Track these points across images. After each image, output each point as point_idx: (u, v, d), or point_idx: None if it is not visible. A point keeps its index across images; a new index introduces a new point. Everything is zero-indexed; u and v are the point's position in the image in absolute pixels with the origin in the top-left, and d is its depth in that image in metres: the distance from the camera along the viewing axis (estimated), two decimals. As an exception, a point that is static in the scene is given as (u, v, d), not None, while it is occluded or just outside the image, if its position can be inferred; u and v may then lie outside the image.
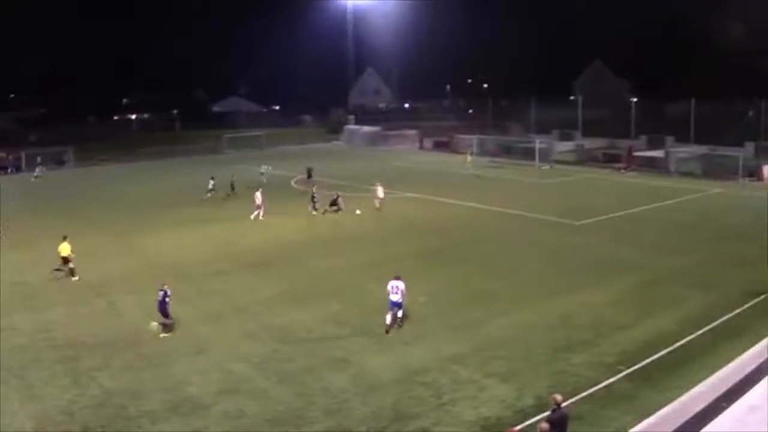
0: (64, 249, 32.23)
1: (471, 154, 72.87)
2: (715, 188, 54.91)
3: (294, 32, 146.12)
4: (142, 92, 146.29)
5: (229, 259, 35.47)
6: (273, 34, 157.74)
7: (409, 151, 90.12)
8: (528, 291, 29.03)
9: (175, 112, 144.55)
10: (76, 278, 31.91)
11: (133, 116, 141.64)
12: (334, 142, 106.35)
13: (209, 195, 53.19)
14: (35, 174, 69.89)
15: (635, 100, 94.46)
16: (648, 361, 21.30)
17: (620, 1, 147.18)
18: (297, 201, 51.26)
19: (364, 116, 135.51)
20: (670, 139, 79.47)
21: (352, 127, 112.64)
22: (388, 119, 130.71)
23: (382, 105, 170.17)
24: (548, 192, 55.82)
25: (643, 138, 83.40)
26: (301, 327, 25.08)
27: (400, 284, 24.61)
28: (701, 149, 71.51)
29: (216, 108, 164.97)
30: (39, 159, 73.32)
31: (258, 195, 45.98)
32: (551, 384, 19.67)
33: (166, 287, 24.69)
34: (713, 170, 62.41)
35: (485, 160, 75.32)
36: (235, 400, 19.43)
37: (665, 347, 22.29)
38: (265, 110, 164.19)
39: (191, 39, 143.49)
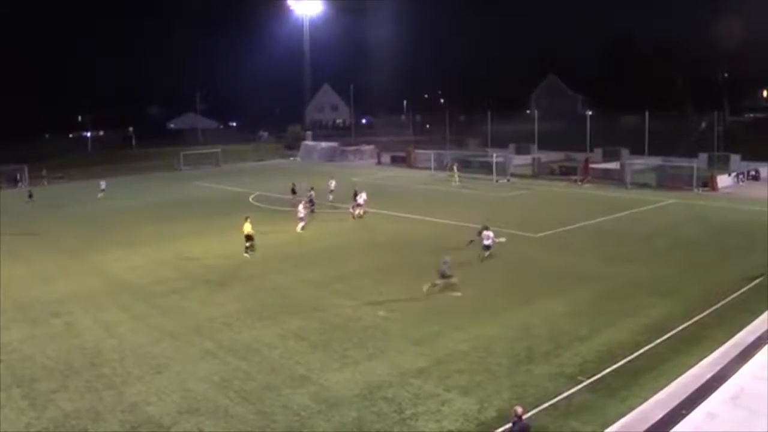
0: (247, 228, 38.68)
1: (456, 168, 72.33)
2: (670, 199, 55.70)
3: (250, 49, 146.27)
4: (98, 109, 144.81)
5: (188, 276, 35.07)
6: (229, 50, 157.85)
7: (366, 167, 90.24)
8: (488, 303, 29.05)
9: (130, 129, 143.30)
10: (248, 255, 38.26)
11: (89, 134, 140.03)
12: (292, 158, 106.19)
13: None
14: None
15: (590, 113, 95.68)
16: (608, 370, 21.41)
17: (573, 17, 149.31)
18: (265, 217, 50.96)
19: (321, 132, 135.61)
20: (625, 152, 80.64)
21: (309, 143, 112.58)
22: (346, 135, 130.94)
23: (339, 121, 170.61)
24: (507, 205, 56.20)
25: (599, 150, 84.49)
26: (262, 344, 24.84)
27: (491, 233, 35.45)
28: (656, 161, 72.68)
29: (172, 125, 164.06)
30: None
31: (300, 208, 46.55)
32: (513, 396, 19.68)
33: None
34: (668, 181, 63.31)
35: (443, 174, 75.66)
36: (195, 420, 19.13)
37: (625, 356, 22.44)
38: (221, 126, 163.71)
39: (147, 55, 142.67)
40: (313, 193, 53.09)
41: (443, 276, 29.89)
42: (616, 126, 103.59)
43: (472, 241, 36.95)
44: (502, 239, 37.22)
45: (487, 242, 35.83)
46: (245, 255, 38.45)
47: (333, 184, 59.04)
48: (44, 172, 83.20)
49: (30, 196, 64.14)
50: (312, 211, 48.50)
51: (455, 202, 57.81)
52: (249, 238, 38.70)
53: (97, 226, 50.23)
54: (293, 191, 57.41)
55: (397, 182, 70.65)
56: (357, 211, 48.92)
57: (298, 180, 61.30)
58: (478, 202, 57.47)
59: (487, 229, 36.23)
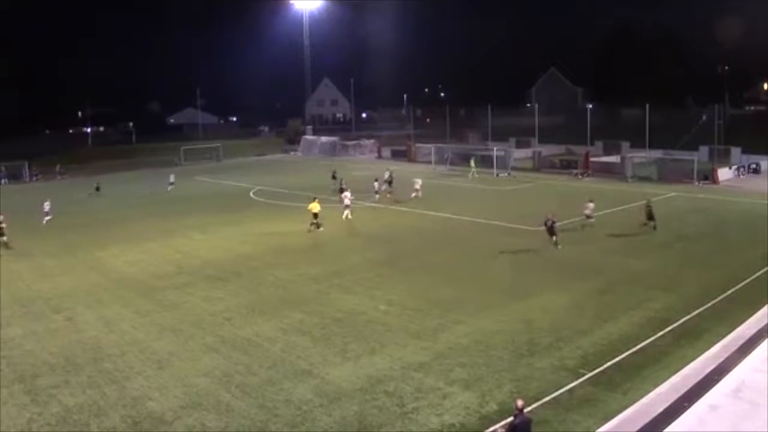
0: (314, 207, 43.33)
1: (475, 161, 72.17)
2: (670, 192, 55.67)
3: (250, 43, 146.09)
4: (98, 105, 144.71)
5: (189, 271, 35.08)
6: (229, 45, 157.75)
7: (367, 161, 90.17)
8: (489, 297, 29.04)
9: (131, 124, 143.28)
10: (321, 229, 43.15)
11: (89, 129, 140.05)
12: (293, 153, 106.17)
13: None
14: None
15: (590, 106, 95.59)
16: (610, 363, 21.40)
17: (573, 10, 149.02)
18: (265, 212, 51.04)
19: (322, 126, 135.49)
20: (625, 145, 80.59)
21: (309, 137, 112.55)
22: (346, 129, 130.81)
23: (339, 115, 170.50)
24: (507, 199, 56.19)
25: (599, 144, 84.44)
26: (263, 338, 24.85)
27: (592, 204, 41.64)
28: (657, 154, 72.66)
29: (172, 120, 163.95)
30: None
31: (347, 194, 48.20)
32: (514, 389, 19.68)
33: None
34: (669, 175, 63.25)
35: (443, 168, 75.64)
36: (197, 414, 19.13)
37: (626, 350, 22.44)
38: (221, 121, 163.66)
39: (147, 51, 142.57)
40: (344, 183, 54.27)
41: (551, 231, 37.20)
42: (617, 119, 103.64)
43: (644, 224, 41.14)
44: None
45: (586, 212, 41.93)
46: (309, 230, 43.06)
47: (388, 174, 60.69)
48: (58, 168, 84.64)
49: (97, 189, 65.39)
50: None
51: (455, 196, 57.74)
52: (315, 216, 43.25)
53: (98, 222, 50.19)
54: (334, 177, 59.61)
55: (397, 176, 70.47)
56: (345, 213, 47.74)
57: (298, 174, 61.21)
58: (478, 196, 57.43)
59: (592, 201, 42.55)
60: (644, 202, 43.20)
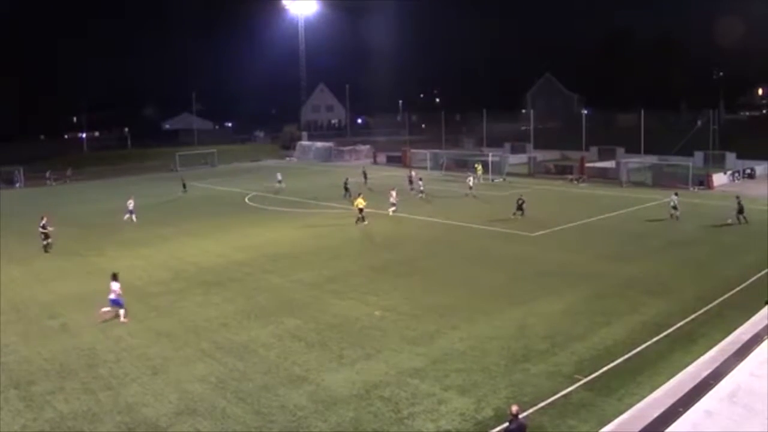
0: (360, 202, 47.07)
1: (478, 167, 72.50)
2: (666, 197, 55.60)
3: (245, 49, 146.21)
4: (93, 110, 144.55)
5: (184, 276, 35.03)
6: (224, 50, 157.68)
7: (362, 166, 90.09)
8: (484, 303, 29.03)
9: (126, 129, 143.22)
10: (366, 223, 46.60)
11: (84, 135, 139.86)
12: (288, 158, 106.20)
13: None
14: None
15: (586, 112, 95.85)
16: (605, 369, 21.42)
17: (569, 16, 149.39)
18: (260, 217, 51.00)
19: (317, 132, 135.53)
20: (620, 150, 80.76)
21: (305, 143, 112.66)
22: (341, 135, 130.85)
23: (334, 121, 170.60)
24: (502, 204, 56.13)
25: (594, 149, 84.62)
26: (258, 344, 24.80)
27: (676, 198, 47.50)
28: (652, 159, 72.80)
29: (167, 125, 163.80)
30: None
31: (393, 194, 51.43)
32: (510, 395, 19.68)
33: None
34: (664, 180, 63.35)
35: (439, 173, 75.66)
36: (192, 420, 19.07)
37: (621, 355, 22.46)
38: (217, 127, 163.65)
39: (142, 56, 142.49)
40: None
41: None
42: (612, 125, 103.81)
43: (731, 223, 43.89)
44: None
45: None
46: (357, 224, 46.73)
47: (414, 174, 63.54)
48: (69, 172, 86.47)
49: (184, 186, 67.05)
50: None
51: (450, 202, 57.74)
52: (360, 210, 46.89)
53: (93, 227, 50.09)
54: (346, 188, 60.66)
55: (393, 182, 70.39)
56: (390, 209, 50.85)
57: (294, 179, 61.14)
58: (473, 201, 57.44)
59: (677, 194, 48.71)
60: (519, 197, 49.93)
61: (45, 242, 41.50)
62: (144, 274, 35.82)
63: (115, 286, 27.85)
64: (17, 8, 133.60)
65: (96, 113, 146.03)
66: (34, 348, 25.15)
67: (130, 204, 51.00)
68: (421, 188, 60.20)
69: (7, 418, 19.58)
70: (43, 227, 41.56)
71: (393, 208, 50.66)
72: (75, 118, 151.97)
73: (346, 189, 59.69)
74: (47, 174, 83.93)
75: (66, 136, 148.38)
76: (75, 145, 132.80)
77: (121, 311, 27.86)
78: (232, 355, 23.87)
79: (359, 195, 49.06)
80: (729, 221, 44.00)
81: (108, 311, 28.06)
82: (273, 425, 18.70)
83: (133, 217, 50.56)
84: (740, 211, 44.06)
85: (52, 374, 22.58)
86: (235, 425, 18.76)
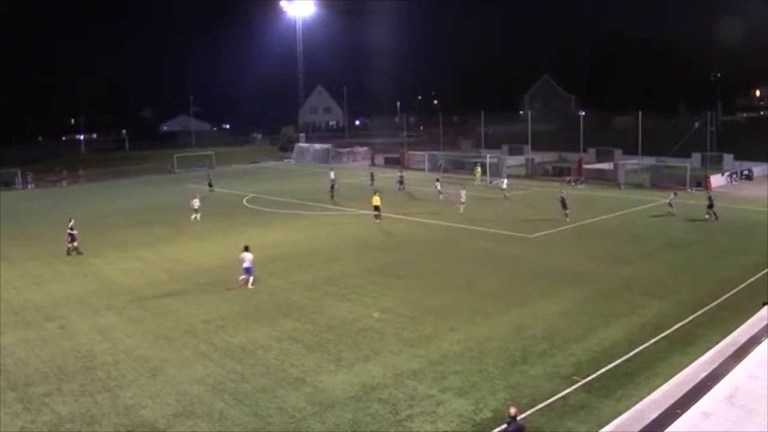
0: (376, 200, 48.78)
1: (480, 167, 73.19)
2: (663, 198, 55.69)
3: (243, 51, 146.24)
4: (90, 112, 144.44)
5: (182, 278, 34.96)
6: (222, 52, 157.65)
7: (360, 168, 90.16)
8: (483, 304, 29.02)
9: (124, 131, 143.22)
10: (379, 221, 47.96)
11: (81, 137, 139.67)
12: (286, 160, 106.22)
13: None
14: None
15: (583, 113, 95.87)
16: (603, 370, 21.42)
17: (566, 18, 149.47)
18: (258, 219, 50.97)
19: (315, 133, 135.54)
20: (618, 152, 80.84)
21: (303, 144, 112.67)
22: (339, 136, 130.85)
23: (332, 122, 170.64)
24: (500, 206, 56.19)
25: (592, 151, 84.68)
26: (256, 346, 24.78)
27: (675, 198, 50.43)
28: (649, 161, 72.89)
29: (165, 127, 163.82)
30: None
31: (462, 193, 53.06)
32: (508, 397, 19.67)
33: None
34: (661, 181, 63.40)
35: (437, 175, 75.66)
36: (190, 422, 19.04)
37: (619, 356, 22.46)
38: (215, 129, 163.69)
39: (140, 58, 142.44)
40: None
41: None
42: (610, 126, 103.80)
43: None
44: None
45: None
46: (376, 221, 48.20)
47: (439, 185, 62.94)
48: (81, 173, 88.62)
49: (210, 185, 68.18)
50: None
51: (448, 204, 57.68)
52: (377, 208, 48.59)
53: (91, 229, 49.95)
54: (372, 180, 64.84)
55: (390, 183, 70.42)
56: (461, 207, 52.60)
57: (292, 181, 61.16)
58: (470, 203, 57.39)
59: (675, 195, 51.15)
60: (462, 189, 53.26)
61: (70, 244, 41.34)
62: (141, 276, 35.74)
63: (248, 256, 32.16)
64: (15, 9, 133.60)
65: (93, 115, 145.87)
66: (32, 350, 25.08)
67: (195, 203, 51.13)
68: (404, 186, 64.67)
69: (5, 420, 19.53)
70: (71, 229, 41.48)
71: (462, 206, 52.14)
72: (72, 120, 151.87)
73: (332, 189, 60.38)
74: (63, 173, 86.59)
75: (64, 138, 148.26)
76: (73, 147, 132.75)
77: (251, 278, 32.10)
78: (230, 356, 23.84)
79: (375, 193, 50.96)
80: (706, 216, 46.80)
81: (244, 278, 32.13)
82: (271, 427, 18.67)
83: (198, 216, 50.86)
84: (710, 206, 47.48)
85: (50, 376, 22.53)
86: (233, 427, 18.74)
